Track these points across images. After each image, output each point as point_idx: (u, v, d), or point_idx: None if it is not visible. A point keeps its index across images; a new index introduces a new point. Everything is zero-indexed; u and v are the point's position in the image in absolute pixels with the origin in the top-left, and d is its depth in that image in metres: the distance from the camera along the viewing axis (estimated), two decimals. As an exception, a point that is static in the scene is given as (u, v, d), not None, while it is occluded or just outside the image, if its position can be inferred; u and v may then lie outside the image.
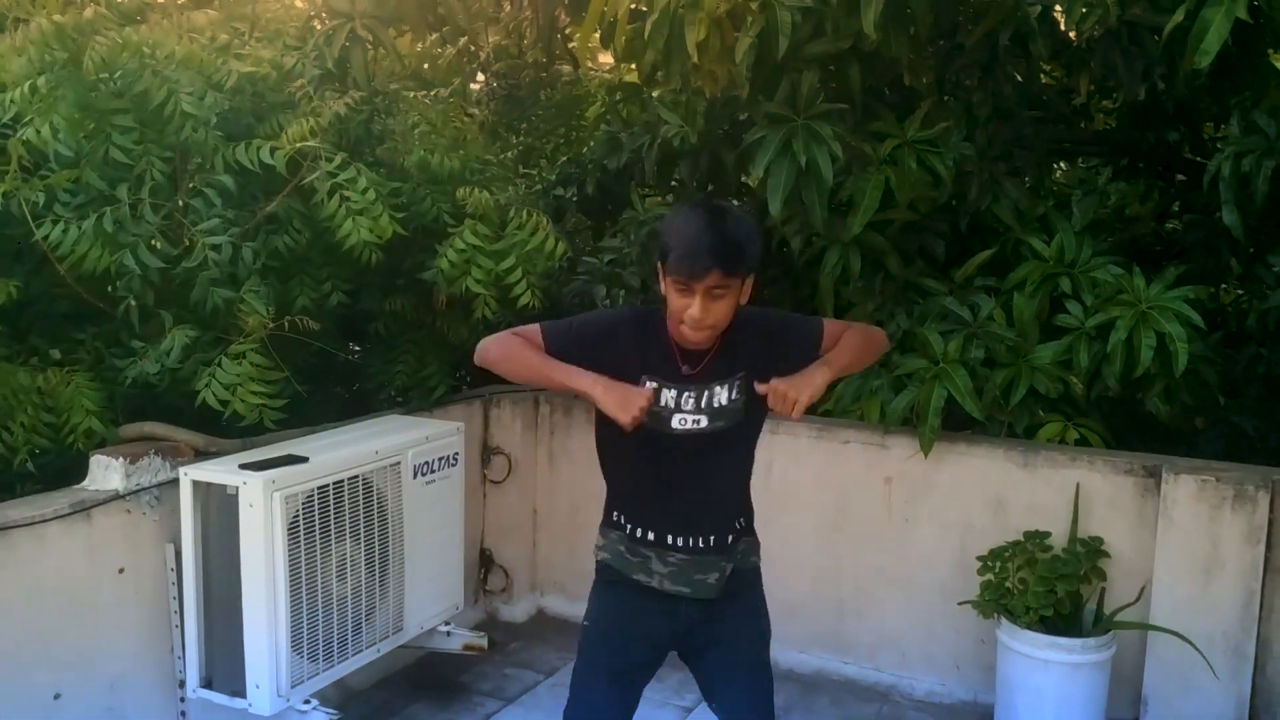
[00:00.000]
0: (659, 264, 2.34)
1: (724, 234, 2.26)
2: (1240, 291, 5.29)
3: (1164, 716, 3.69)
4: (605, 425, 2.43)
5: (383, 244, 3.49)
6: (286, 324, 3.39)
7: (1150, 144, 5.49)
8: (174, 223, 3.23)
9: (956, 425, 4.09)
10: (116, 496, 3.20)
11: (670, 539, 2.48)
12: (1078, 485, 3.86)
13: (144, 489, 3.27)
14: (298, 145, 3.24)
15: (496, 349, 2.46)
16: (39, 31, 2.90)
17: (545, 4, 4.78)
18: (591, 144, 5.97)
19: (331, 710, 3.28)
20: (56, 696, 3.04)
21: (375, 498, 3.51)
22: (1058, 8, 4.14)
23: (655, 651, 2.61)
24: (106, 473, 3.22)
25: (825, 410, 4.37)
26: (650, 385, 2.37)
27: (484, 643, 3.96)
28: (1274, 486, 3.57)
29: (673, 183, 5.20)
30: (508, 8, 6.03)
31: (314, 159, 3.36)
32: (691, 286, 2.24)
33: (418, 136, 4.01)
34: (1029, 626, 3.63)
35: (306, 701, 3.27)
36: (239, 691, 3.21)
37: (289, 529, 3.16)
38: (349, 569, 3.42)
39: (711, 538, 2.48)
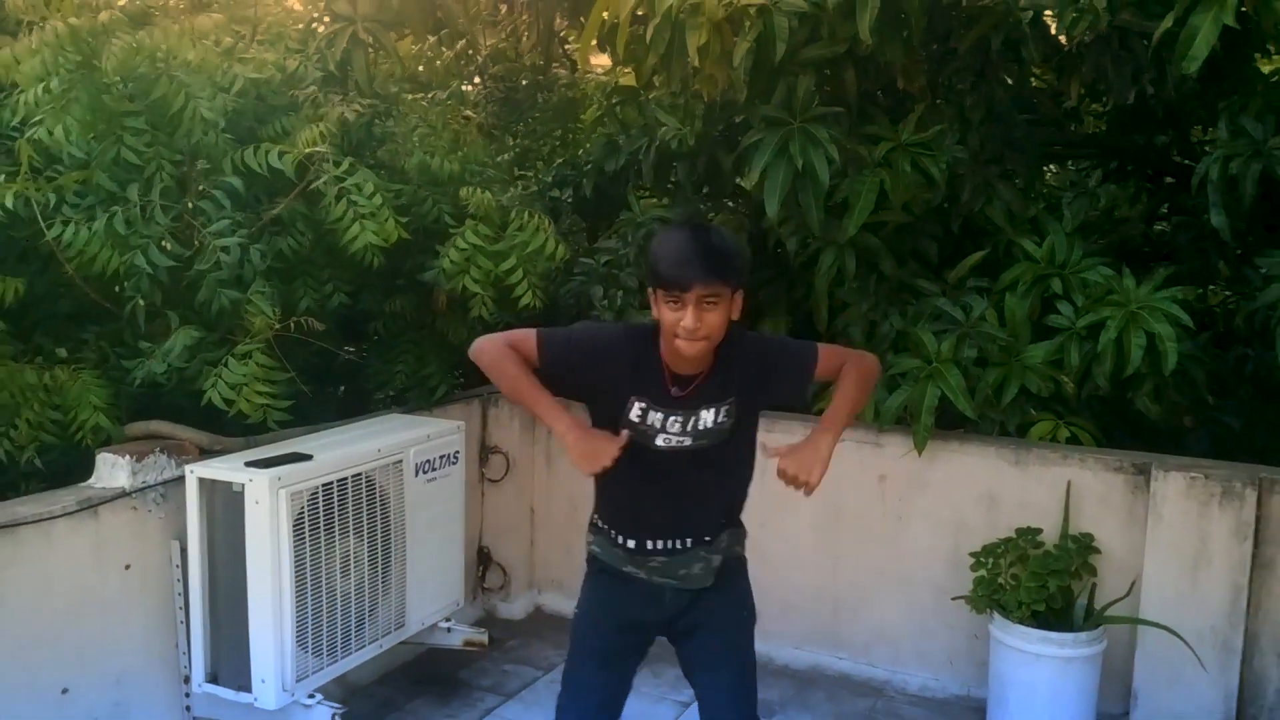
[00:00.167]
0: (651, 289, 2.38)
1: (710, 245, 2.32)
2: (1228, 293, 5.36)
3: (1154, 709, 3.75)
4: (604, 426, 2.49)
5: (387, 247, 3.53)
6: (292, 325, 3.43)
7: (1140, 147, 5.55)
8: (183, 224, 3.27)
9: (950, 424, 4.14)
10: (123, 494, 3.23)
11: (650, 544, 2.54)
12: (1069, 483, 3.92)
13: (150, 486, 3.30)
14: (307, 149, 3.28)
15: (489, 355, 2.49)
16: (54, 34, 2.94)
17: (544, 8, 4.82)
18: (588, 146, 6.01)
19: (336, 704, 3.32)
20: (64, 691, 3.07)
21: (378, 495, 3.55)
22: (1049, 13, 4.19)
23: (643, 636, 2.67)
24: (113, 470, 3.25)
25: (819, 409, 4.41)
26: (625, 433, 2.42)
27: (484, 639, 4.00)
28: (1261, 484, 3.64)
29: (670, 185, 5.24)
30: (504, 9, 6.08)
31: (320, 163, 3.40)
32: (683, 298, 2.28)
33: (418, 139, 4.05)
34: (1021, 621, 3.67)
35: (311, 696, 3.31)
36: (245, 686, 3.25)
37: (294, 526, 3.20)
38: (352, 565, 3.47)
39: (689, 539, 2.54)
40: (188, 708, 3.42)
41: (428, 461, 3.77)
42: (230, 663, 3.29)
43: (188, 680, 3.39)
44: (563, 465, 4.86)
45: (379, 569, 3.59)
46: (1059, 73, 4.93)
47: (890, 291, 4.48)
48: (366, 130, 3.94)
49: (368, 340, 4.47)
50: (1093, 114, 5.99)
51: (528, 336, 2.49)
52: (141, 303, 3.27)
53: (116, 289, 3.31)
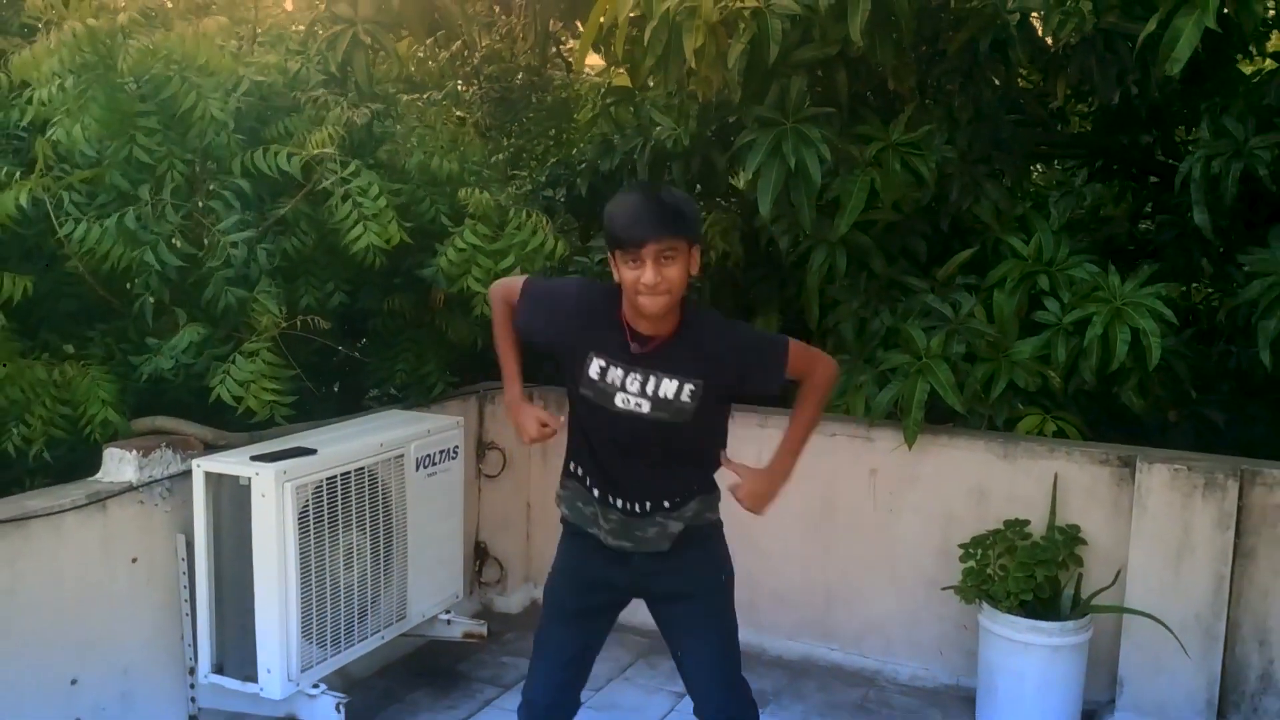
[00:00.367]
0: (611, 254, 2.44)
1: (661, 201, 2.41)
2: (1211, 289, 5.44)
3: (1139, 696, 3.83)
4: (570, 383, 2.56)
5: (389, 249, 3.60)
6: (299, 323, 3.49)
7: (1125, 147, 5.61)
8: (193, 223, 3.33)
9: (939, 418, 4.21)
10: (130, 488, 3.28)
11: (611, 499, 2.60)
12: (1056, 475, 3.99)
13: (156, 481, 3.35)
14: (315, 151, 3.35)
15: (494, 304, 2.73)
16: (71, 34, 2.99)
17: (540, 10, 4.88)
18: (582, 145, 6.07)
19: (339, 694, 3.38)
20: (73, 682, 3.13)
21: (380, 489, 3.62)
22: (1036, 15, 4.25)
23: (613, 595, 2.72)
24: (120, 465, 3.30)
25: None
26: (553, 420, 2.58)
27: (483, 630, 4.07)
28: (1242, 475, 3.71)
29: (664, 184, 5.30)
30: (497, 9, 6.13)
31: (325, 164, 3.47)
32: (640, 255, 2.34)
33: (417, 139, 4.11)
34: (1010, 611, 3.74)
35: (315, 686, 3.37)
36: (251, 676, 3.30)
37: (299, 518, 3.26)
38: (355, 558, 3.53)
39: (648, 503, 2.57)
40: (192, 699, 3.47)
41: (428, 456, 3.83)
42: (236, 653, 3.34)
43: (192, 672, 3.44)
44: (558, 461, 4.82)
45: (381, 561, 3.65)
46: (1045, 74, 5.00)
47: (880, 289, 4.54)
48: (367, 130, 3.99)
49: (367, 338, 4.52)
50: (1079, 114, 6.06)
51: (515, 286, 2.67)
52: (151, 299, 3.32)
53: (127, 285, 3.36)
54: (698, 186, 5.23)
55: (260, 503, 3.20)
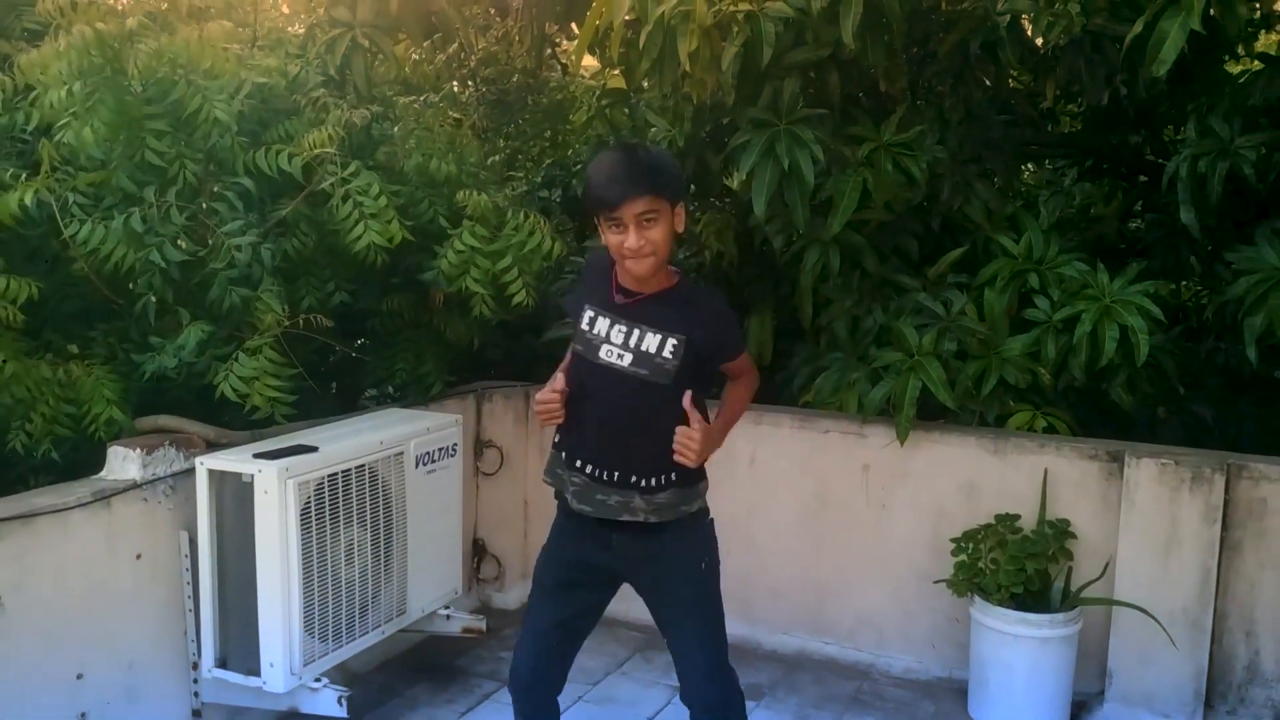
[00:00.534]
0: (595, 218, 2.49)
1: (638, 159, 2.44)
2: (1200, 287, 5.50)
3: (1128, 687, 3.89)
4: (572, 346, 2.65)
5: (390, 248, 3.65)
6: (300, 321, 3.54)
7: (1114, 146, 5.65)
8: (198, 224, 3.38)
9: (931, 415, 4.26)
10: (134, 485, 3.33)
11: (579, 463, 2.64)
12: (1046, 470, 4.05)
13: (159, 479, 3.40)
14: (316, 152, 3.40)
15: None
16: (80, 37, 3.04)
17: (536, 14, 4.93)
18: (577, 147, 6.12)
19: (341, 688, 3.43)
20: (79, 676, 3.16)
21: (380, 486, 3.66)
22: (1025, 17, 4.30)
23: (591, 575, 2.74)
24: (124, 463, 3.35)
25: (805, 402, 4.56)
26: (557, 382, 2.60)
27: (482, 625, 4.11)
28: (1229, 469, 3.77)
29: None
30: (493, 12, 6.18)
31: (325, 165, 3.52)
32: (621, 218, 2.39)
33: (415, 141, 4.16)
34: (1000, 603, 3.80)
35: (318, 680, 3.41)
36: (254, 670, 3.34)
37: (301, 515, 3.30)
38: (356, 553, 3.57)
39: (616, 473, 2.59)
40: (195, 693, 3.51)
41: (427, 454, 3.88)
42: (239, 647, 3.39)
43: (195, 666, 3.48)
44: (556, 458, 4.96)
45: (381, 557, 3.69)
46: (1035, 74, 5.05)
47: (873, 287, 4.59)
48: (366, 133, 4.04)
49: (366, 338, 4.57)
50: (1068, 114, 6.10)
51: None
52: (154, 299, 3.37)
53: (130, 285, 3.41)
54: (692, 187, 5.28)
55: (263, 499, 3.25)
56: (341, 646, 3.55)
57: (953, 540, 4.04)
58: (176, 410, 3.66)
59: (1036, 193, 5.48)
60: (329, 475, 3.42)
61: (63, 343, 3.60)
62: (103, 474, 3.36)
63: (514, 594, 5.03)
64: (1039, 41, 4.59)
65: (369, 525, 3.62)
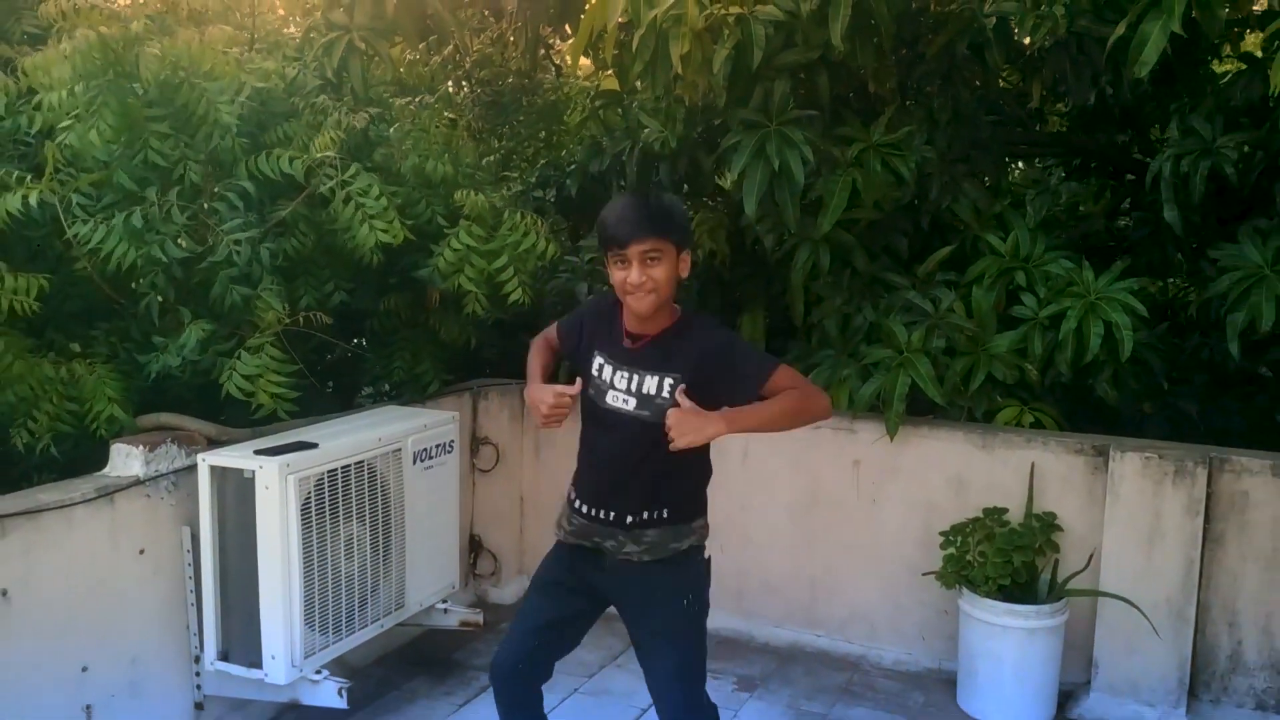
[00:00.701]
0: (604, 255, 2.57)
1: (648, 204, 2.54)
2: (1185, 284, 5.57)
3: (1113, 677, 3.96)
4: (583, 393, 2.68)
5: (392, 246, 3.71)
6: (300, 320, 3.60)
7: (1100, 146, 5.71)
8: (198, 223, 3.44)
9: (920, 410, 4.32)
10: (137, 482, 3.38)
11: (580, 505, 2.72)
12: (1032, 464, 4.11)
13: (162, 475, 3.45)
14: (318, 155, 3.46)
15: (533, 345, 2.90)
16: (84, 41, 3.10)
17: (531, 16, 4.98)
18: (571, 147, 6.18)
19: (341, 679, 3.49)
20: (84, 669, 3.22)
21: (379, 482, 3.72)
22: (1012, 19, 4.36)
23: (582, 585, 2.78)
24: (127, 460, 3.40)
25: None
26: (576, 384, 2.63)
27: (479, 619, 4.17)
28: (1211, 463, 3.83)
29: (652, 185, 5.41)
30: (488, 15, 6.23)
31: (325, 167, 3.58)
32: (626, 256, 2.47)
33: (411, 143, 4.21)
34: (988, 595, 3.86)
35: (318, 672, 3.47)
36: (255, 663, 3.41)
37: (301, 510, 3.36)
38: (355, 548, 3.63)
39: (612, 514, 2.64)
40: (197, 686, 3.56)
41: (425, 450, 3.94)
42: (241, 641, 3.45)
43: (198, 660, 3.54)
44: (551, 455, 5.02)
45: (380, 551, 3.75)
46: (1022, 75, 5.11)
47: (863, 285, 4.64)
48: (364, 134, 4.10)
49: (364, 337, 4.62)
50: (1055, 114, 6.15)
51: (551, 328, 2.86)
52: (158, 299, 3.43)
53: (133, 285, 3.46)
54: (685, 187, 5.33)
55: (264, 495, 3.31)
56: (341, 639, 3.61)
57: (941, 534, 4.10)
58: (177, 408, 3.72)
59: (1024, 192, 5.52)
60: (329, 471, 3.48)
61: (65, 342, 3.65)
62: (106, 470, 3.41)
63: (510, 589, 5.09)
64: (1026, 42, 4.65)
65: (368, 520, 3.68)
